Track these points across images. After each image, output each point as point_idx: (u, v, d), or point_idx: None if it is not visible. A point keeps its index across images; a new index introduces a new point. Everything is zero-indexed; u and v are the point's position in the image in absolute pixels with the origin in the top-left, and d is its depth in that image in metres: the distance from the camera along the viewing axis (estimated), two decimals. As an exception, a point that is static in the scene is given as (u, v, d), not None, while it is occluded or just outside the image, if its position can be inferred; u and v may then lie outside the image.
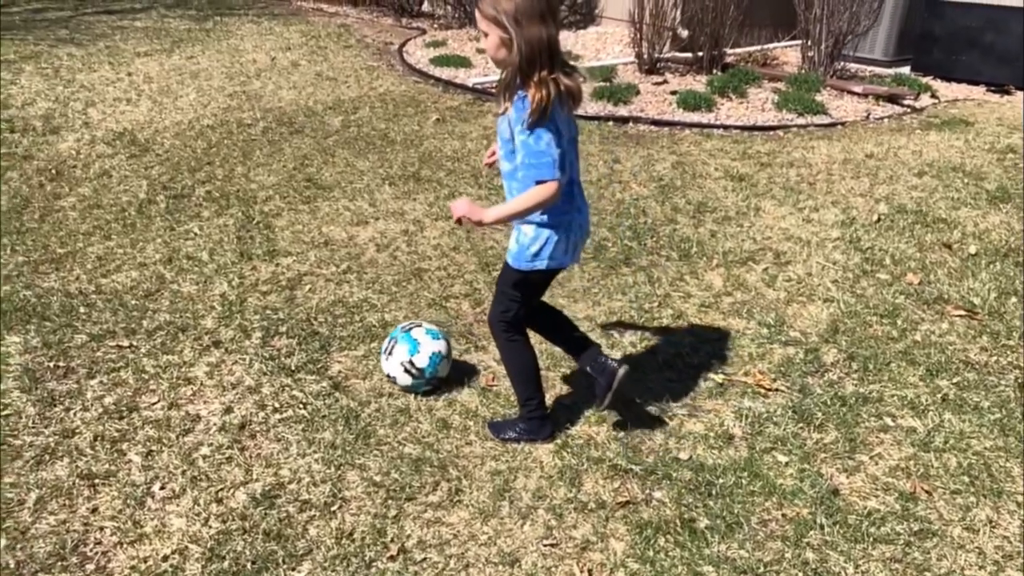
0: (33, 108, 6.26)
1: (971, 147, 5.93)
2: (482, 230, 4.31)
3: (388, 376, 2.99)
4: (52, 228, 4.29)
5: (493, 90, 7.07)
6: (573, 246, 2.56)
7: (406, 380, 2.94)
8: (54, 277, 3.80)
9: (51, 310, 3.50)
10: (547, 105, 2.27)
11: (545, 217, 2.47)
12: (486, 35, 2.38)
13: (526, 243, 2.51)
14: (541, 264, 2.53)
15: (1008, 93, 7.57)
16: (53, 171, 5.05)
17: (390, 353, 2.96)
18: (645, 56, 7.54)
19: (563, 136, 2.37)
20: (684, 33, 7.87)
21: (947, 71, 8.01)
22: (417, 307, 3.61)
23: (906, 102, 6.94)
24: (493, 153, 2.64)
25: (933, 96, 7.27)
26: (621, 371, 2.66)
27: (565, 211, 2.49)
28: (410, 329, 2.98)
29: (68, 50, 8.23)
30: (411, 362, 2.90)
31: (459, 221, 2.49)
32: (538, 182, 2.34)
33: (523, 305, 2.65)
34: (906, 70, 8.19)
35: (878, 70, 8.17)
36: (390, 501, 2.49)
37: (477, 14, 2.38)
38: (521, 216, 2.44)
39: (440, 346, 2.96)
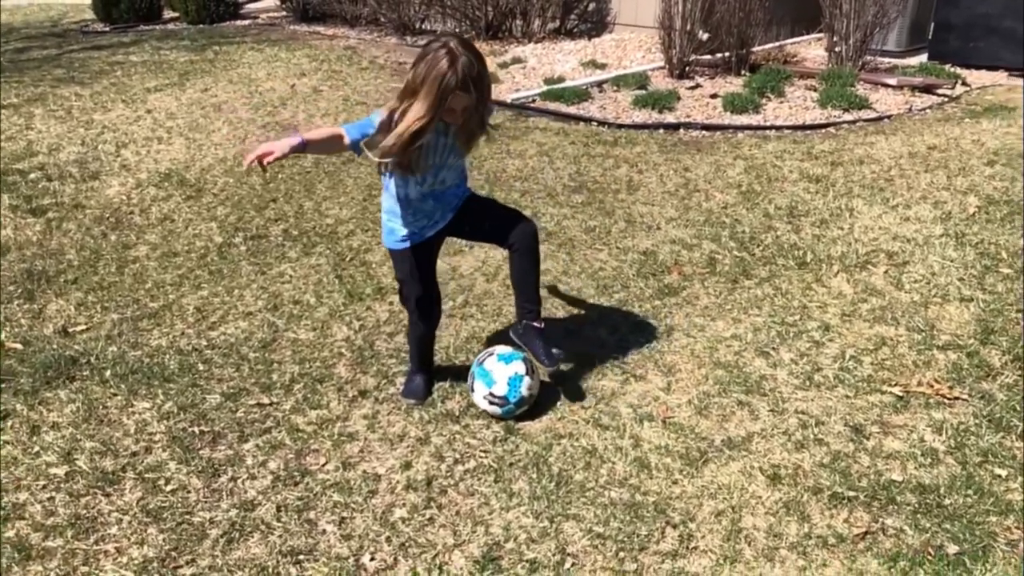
0: (62, 153, 5.98)
1: (1025, 133, 5.96)
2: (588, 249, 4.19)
3: (481, 410, 2.94)
4: (135, 281, 4.06)
5: (532, 105, 6.98)
6: None
7: (496, 411, 2.90)
8: (157, 333, 3.58)
9: (169, 370, 3.29)
10: None
11: None
12: (454, 110, 2.49)
13: None
14: None
15: (1031, 76, 7.66)
16: (111, 219, 4.81)
17: (472, 390, 2.92)
18: (675, 60, 7.48)
19: None
20: (704, 35, 7.82)
21: (964, 58, 8.07)
22: (555, 337, 3.46)
23: (942, 92, 6.97)
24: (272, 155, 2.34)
25: (964, 84, 7.32)
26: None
27: None
28: (483, 361, 2.93)
29: (73, 89, 7.90)
30: (491, 394, 2.86)
31: None
32: None
33: None
34: (922, 59, 8.25)
35: (895, 61, 8.21)
36: (622, 554, 2.34)
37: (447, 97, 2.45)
38: None
39: (515, 367, 2.87)
